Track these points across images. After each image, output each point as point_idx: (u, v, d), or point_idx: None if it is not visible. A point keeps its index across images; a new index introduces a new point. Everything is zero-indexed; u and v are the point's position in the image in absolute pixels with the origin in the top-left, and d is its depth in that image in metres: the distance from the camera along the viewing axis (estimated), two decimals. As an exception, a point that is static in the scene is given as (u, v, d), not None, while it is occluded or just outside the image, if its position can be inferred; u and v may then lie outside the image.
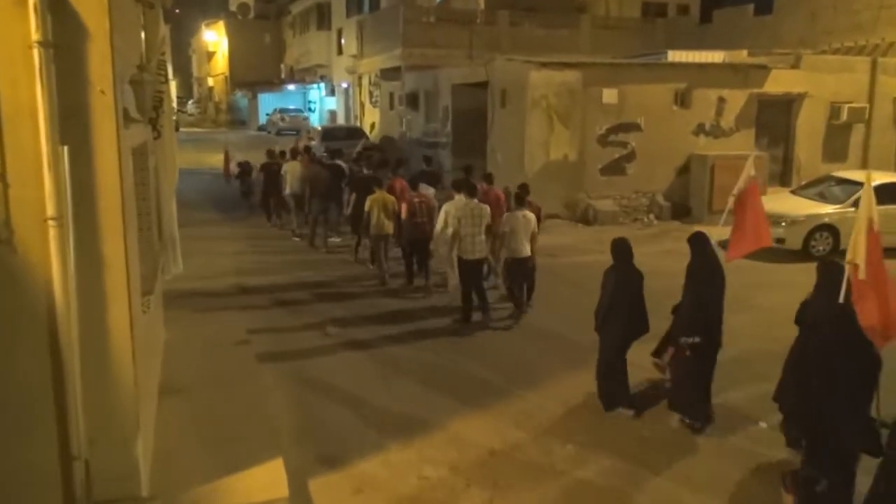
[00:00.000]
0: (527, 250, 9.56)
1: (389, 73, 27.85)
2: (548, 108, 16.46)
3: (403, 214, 11.00)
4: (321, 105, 45.32)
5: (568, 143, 16.63)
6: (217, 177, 22.15)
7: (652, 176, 16.99)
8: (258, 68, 51.72)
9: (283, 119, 42.42)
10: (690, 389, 6.52)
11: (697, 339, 6.29)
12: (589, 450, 6.21)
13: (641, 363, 7.28)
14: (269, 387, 7.39)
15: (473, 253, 9.39)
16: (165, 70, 6.41)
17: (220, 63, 58.02)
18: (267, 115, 46.15)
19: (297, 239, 14.70)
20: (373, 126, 31.62)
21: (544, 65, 16.60)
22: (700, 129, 17.49)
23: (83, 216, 4.39)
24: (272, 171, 16.45)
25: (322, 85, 43.45)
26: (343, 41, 37.24)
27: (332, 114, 40.68)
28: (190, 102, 71.59)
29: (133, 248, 5.08)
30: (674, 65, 18.40)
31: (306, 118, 42.78)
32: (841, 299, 5.11)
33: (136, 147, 5.97)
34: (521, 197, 9.78)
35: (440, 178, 10.49)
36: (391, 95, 28.58)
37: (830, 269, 5.50)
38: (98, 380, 4.53)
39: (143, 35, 6.50)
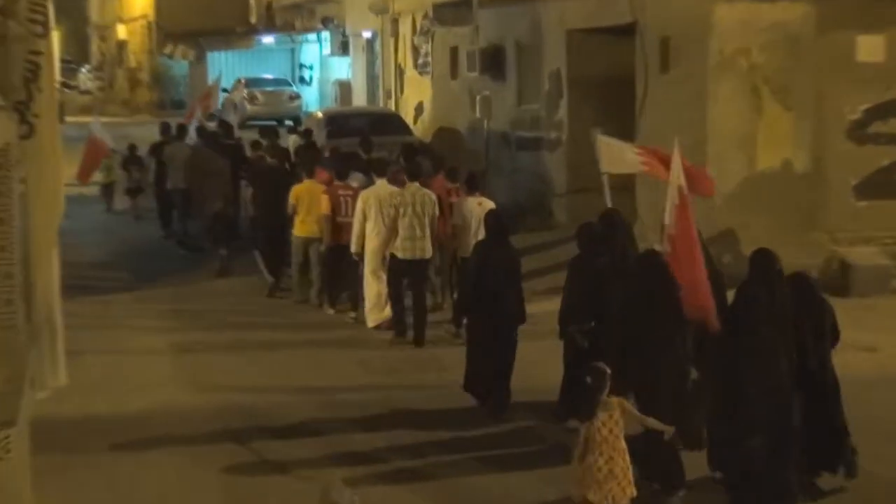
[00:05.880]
0: None
1: (450, 13, 28.18)
2: (751, 72, 16.42)
3: (324, 209, 14.36)
4: (324, 72, 46.05)
5: (790, 137, 16.49)
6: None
7: (955, 200, 16.72)
8: (208, 8, 52.88)
9: (253, 98, 42.76)
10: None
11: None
12: None
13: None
14: None
15: (413, 251, 12.63)
16: (45, 15, 6.60)
17: (139, 0, 59.99)
18: (224, 90, 46.84)
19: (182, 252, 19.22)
20: (419, 109, 31.92)
21: (743, -8, 16.64)
22: None
23: None
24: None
25: (326, 36, 44.23)
26: (364, -44, 38.13)
27: (345, 87, 41.16)
28: (84, 70, 73.95)
29: (-20, 342, 5.16)
30: None
31: (296, 96, 43.51)
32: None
33: (-11, 154, 6.13)
34: (474, 180, 13.58)
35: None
36: (453, 53, 28.88)
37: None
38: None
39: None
